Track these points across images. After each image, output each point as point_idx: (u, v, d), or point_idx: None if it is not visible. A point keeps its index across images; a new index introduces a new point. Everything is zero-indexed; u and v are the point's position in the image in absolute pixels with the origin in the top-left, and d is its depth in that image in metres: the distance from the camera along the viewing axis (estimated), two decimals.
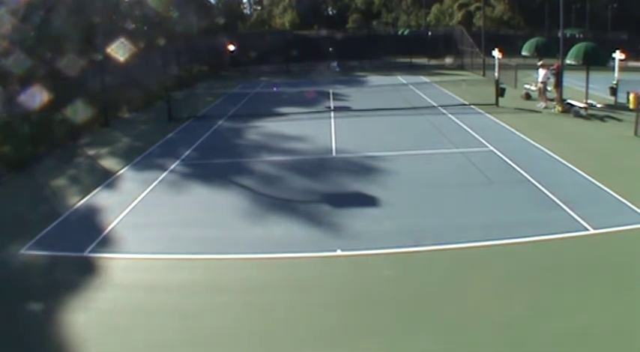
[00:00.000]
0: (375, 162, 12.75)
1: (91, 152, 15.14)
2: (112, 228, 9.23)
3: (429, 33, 48.51)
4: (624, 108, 17.98)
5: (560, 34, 20.44)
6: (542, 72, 20.42)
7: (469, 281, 7.01)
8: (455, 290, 6.81)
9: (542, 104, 20.28)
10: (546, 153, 13.05)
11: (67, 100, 16.91)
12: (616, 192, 9.92)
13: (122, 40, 22.86)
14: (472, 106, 19.91)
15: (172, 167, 13.05)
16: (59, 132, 16.51)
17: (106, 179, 12.25)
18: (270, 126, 17.84)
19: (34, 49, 19.29)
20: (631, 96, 17.88)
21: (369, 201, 10.13)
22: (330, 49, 32.46)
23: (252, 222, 9.34)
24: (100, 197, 11.03)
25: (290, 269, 7.59)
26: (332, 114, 19.46)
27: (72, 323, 6.27)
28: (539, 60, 21.14)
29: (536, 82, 20.69)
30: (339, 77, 32.44)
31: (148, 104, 22.96)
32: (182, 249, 8.25)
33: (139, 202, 10.54)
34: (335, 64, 32.75)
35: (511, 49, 24.78)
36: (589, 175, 11.07)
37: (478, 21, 48.41)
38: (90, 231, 9.13)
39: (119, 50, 22.20)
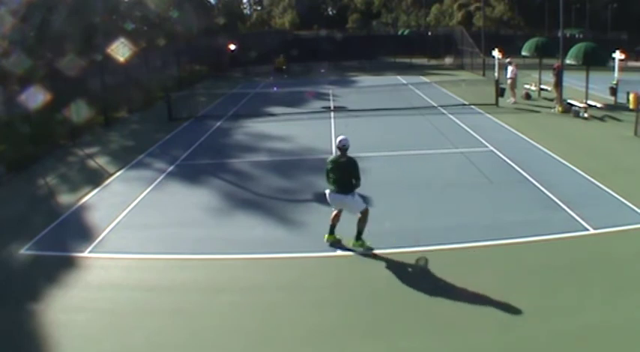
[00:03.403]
0: (374, 162, 12.73)
1: (91, 152, 15.14)
2: (112, 227, 9.23)
3: (429, 33, 48.63)
4: (624, 108, 17.98)
5: (560, 34, 20.46)
6: (510, 68, 20.64)
7: (469, 281, 7.00)
8: (455, 290, 6.80)
9: (511, 99, 20.47)
10: (546, 153, 13.05)
11: (67, 100, 16.92)
12: (616, 192, 9.93)
13: (122, 40, 22.87)
14: (472, 106, 19.92)
15: (172, 167, 13.05)
16: (59, 132, 16.51)
17: (105, 179, 12.26)
18: (270, 126, 17.83)
19: (34, 49, 19.31)
20: (631, 97, 17.88)
21: (369, 201, 10.06)
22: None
23: (252, 222, 9.34)
24: (99, 197, 11.03)
25: (290, 269, 7.58)
26: (332, 114, 19.47)
27: (72, 323, 6.27)
28: (507, 57, 21.63)
29: (512, 80, 20.84)
30: (339, 77, 32.45)
31: (148, 104, 22.94)
32: (182, 249, 8.24)
33: (138, 202, 10.54)
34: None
35: (511, 49, 24.78)
36: (589, 175, 11.07)
37: (478, 21, 48.48)
38: (90, 231, 9.13)
39: (119, 50, 22.21)
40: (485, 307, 6.34)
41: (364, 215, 7.82)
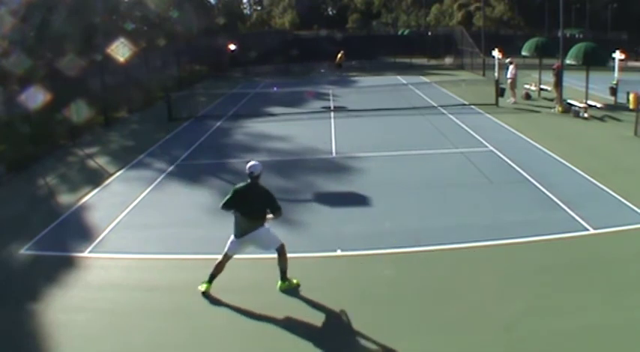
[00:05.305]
0: (374, 162, 12.75)
1: (91, 152, 15.13)
2: (112, 227, 9.23)
3: (429, 33, 48.65)
4: (624, 108, 17.98)
5: (560, 34, 20.47)
6: (510, 68, 20.69)
7: (469, 281, 7.01)
8: (455, 290, 6.80)
9: (511, 99, 20.48)
10: (546, 153, 13.06)
11: (67, 100, 16.92)
12: (616, 192, 9.93)
13: (122, 40, 22.88)
14: (472, 106, 19.92)
15: (172, 167, 13.05)
16: (59, 132, 16.51)
17: (105, 179, 12.26)
18: (270, 126, 17.83)
19: (34, 49, 19.31)
20: (631, 96, 17.87)
21: (369, 201, 10.13)
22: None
23: None
24: (99, 197, 11.03)
25: (290, 269, 7.56)
26: (332, 114, 19.47)
27: (72, 323, 6.27)
28: (507, 57, 21.71)
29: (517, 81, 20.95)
30: (339, 78, 32.45)
31: (148, 104, 22.94)
32: (182, 249, 8.25)
33: (138, 202, 10.54)
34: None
35: (511, 49, 24.79)
36: (589, 175, 11.07)
37: (478, 21, 48.49)
38: (90, 231, 9.13)
39: (119, 50, 22.22)
40: (485, 307, 6.34)
41: (282, 252, 6.90)
